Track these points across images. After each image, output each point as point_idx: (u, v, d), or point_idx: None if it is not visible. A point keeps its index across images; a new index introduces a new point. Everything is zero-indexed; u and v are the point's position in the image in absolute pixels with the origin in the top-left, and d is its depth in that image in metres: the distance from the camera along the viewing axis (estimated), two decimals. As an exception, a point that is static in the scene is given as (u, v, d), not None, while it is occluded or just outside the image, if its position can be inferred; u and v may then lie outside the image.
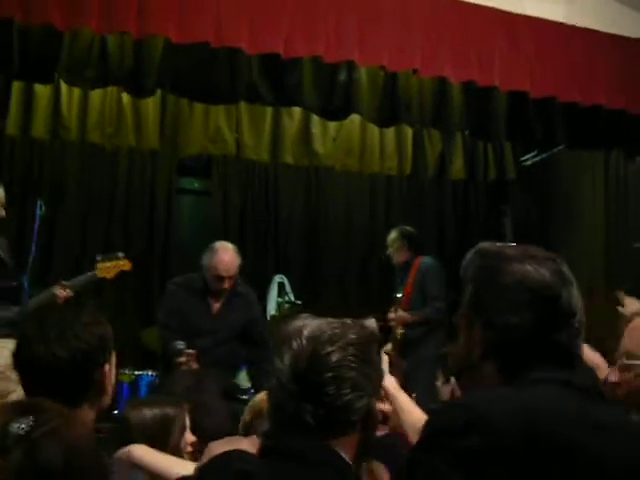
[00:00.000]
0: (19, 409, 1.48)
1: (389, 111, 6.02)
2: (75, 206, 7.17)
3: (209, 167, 7.64)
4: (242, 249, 5.50)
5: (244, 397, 5.54)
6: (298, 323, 1.69)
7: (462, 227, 8.01)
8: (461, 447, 1.29)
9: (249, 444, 1.79)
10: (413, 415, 2.28)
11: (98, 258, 5.09)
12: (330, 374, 1.60)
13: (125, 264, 5.18)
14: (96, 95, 6.67)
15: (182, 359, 4.82)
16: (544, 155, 7.39)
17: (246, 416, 3.08)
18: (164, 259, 7.42)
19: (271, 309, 7.16)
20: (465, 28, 5.14)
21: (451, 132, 6.85)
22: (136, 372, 6.29)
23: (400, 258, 6.50)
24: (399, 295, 6.33)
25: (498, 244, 1.70)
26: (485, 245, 1.69)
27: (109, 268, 5.07)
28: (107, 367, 2.12)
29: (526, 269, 1.55)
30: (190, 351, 4.85)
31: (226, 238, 7.09)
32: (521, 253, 1.60)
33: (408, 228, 6.58)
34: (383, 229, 7.51)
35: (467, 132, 6.85)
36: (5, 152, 7.01)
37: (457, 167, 7.63)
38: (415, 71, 5.25)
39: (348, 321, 1.74)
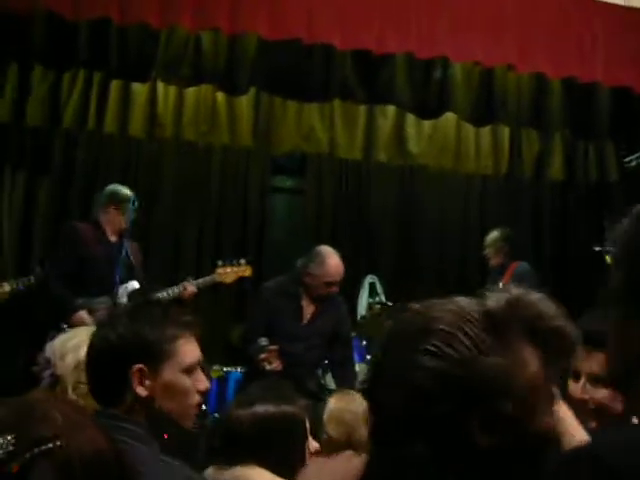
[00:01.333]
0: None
1: (484, 109, 5.90)
2: (170, 203, 7.27)
3: (303, 165, 7.63)
4: (334, 248, 5.32)
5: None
6: None
7: (560, 231, 7.74)
8: None
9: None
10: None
11: (219, 262, 5.39)
12: None
13: (246, 269, 5.45)
14: (191, 93, 6.74)
15: (264, 355, 4.81)
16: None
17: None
18: (257, 257, 7.42)
19: (362, 309, 7.09)
20: (564, 21, 4.98)
21: (550, 131, 6.63)
22: (225, 368, 6.33)
23: (497, 260, 6.36)
24: None
25: None
26: None
27: (229, 273, 5.36)
28: (137, 367, 1.98)
29: None
30: (273, 347, 4.84)
31: (319, 237, 7.16)
32: None
33: (508, 230, 6.42)
34: (477, 230, 7.36)
35: (567, 131, 6.62)
36: (104, 150, 7.17)
37: (556, 167, 7.38)
38: (510, 67, 5.10)
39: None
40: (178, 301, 5.32)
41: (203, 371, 2.11)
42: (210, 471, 2.26)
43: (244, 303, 6.99)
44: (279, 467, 2.21)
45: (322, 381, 5.96)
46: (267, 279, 7.14)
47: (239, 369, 6.27)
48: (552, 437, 1.21)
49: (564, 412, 1.84)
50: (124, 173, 7.20)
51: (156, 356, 1.99)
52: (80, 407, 1.46)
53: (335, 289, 5.00)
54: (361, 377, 6.11)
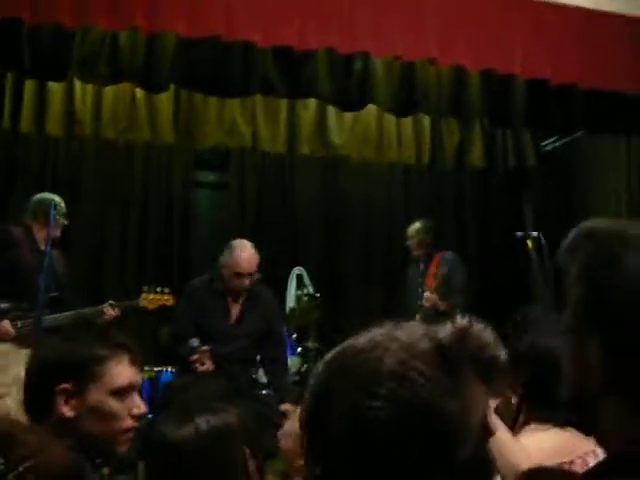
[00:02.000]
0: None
1: (406, 100, 5.94)
2: (92, 202, 7.15)
3: (226, 160, 7.59)
4: (260, 241, 5.41)
5: (263, 392, 5.54)
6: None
7: (482, 217, 7.91)
8: None
9: None
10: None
11: (144, 288, 5.44)
12: None
13: (169, 299, 5.47)
14: (109, 91, 6.62)
15: (195, 357, 4.79)
16: (565, 139, 7.25)
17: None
18: (183, 253, 7.39)
19: (290, 302, 7.11)
20: (484, 15, 5.04)
21: (469, 120, 6.73)
22: (155, 368, 6.28)
23: (420, 251, 6.45)
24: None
25: (612, 222, 1.17)
26: (596, 224, 1.17)
27: (152, 300, 5.41)
28: (63, 386, 1.96)
29: None
30: (204, 348, 4.83)
31: (244, 230, 7.14)
32: None
33: (430, 221, 6.51)
34: (402, 220, 7.45)
35: (486, 120, 6.74)
36: (19, 151, 6.99)
37: (476, 155, 7.50)
38: (431, 60, 5.15)
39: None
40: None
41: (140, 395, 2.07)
42: None
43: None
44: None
45: (254, 376, 5.96)
46: (193, 275, 7.16)
47: (169, 369, 6.24)
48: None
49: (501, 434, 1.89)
50: (42, 173, 7.06)
51: (83, 376, 1.96)
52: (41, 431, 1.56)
53: (245, 281, 4.93)
54: (293, 370, 6.15)
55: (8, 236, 5.21)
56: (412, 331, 1.14)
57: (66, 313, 4.95)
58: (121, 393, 2.00)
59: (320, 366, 1.17)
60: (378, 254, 7.74)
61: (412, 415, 1.02)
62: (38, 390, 1.97)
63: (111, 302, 5.18)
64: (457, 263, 6.42)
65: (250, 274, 4.96)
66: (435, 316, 6.02)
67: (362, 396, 1.04)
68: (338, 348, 1.19)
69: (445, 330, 1.13)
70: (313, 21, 4.74)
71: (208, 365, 4.83)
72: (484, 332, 1.14)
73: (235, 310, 5.09)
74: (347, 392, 1.07)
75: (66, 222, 5.37)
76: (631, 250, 1.08)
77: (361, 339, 1.16)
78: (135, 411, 2.03)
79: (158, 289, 5.47)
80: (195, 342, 4.84)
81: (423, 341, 1.11)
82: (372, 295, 7.59)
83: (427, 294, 6.13)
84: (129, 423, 2.02)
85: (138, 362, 2.09)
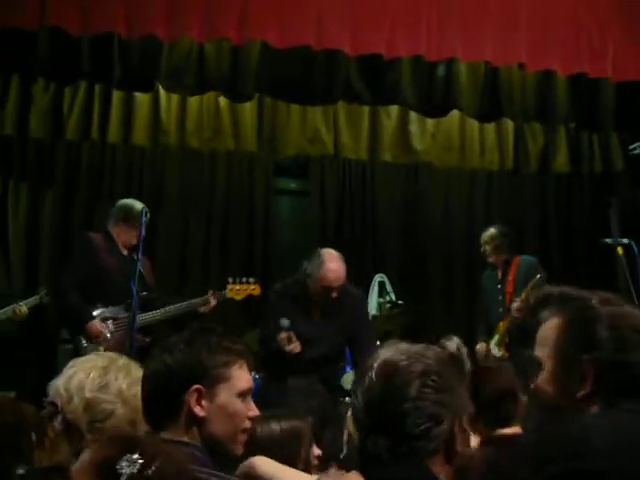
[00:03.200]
0: (122, 444, 1.45)
1: (491, 106, 5.89)
2: (175, 210, 7.27)
3: (306, 167, 7.63)
4: (340, 248, 5.20)
5: (347, 399, 5.53)
6: (373, 356, 1.69)
7: (566, 224, 7.75)
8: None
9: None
10: None
11: (229, 280, 5.52)
12: (403, 406, 1.57)
13: (255, 289, 5.58)
14: (194, 100, 6.72)
15: (284, 334, 4.71)
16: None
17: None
18: (264, 260, 7.45)
19: (372, 309, 7.08)
20: (575, 19, 4.95)
21: (555, 125, 6.62)
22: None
23: (496, 257, 6.33)
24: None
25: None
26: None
27: (239, 290, 5.50)
28: (194, 388, 2.06)
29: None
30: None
31: (324, 237, 7.18)
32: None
33: (505, 227, 6.39)
34: (483, 226, 7.35)
35: (571, 124, 6.62)
36: (107, 160, 7.16)
37: (561, 160, 7.37)
38: (521, 65, 5.09)
39: (425, 346, 1.70)
40: (195, 313, 5.35)
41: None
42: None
43: (253, 307, 7.03)
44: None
45: (338, 382, 5.96)
46: (274, 281, 7.21)
47: (254, 374, 6.28)
48: None
49: None
50: (128, 182, 7.21)
51: (213, 379, 2.06)
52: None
53: (333, 294, 4.79)
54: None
55: (89, 243, 5.35)
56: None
57: (163, 309, 5.18)
58: (243, 395, 2.11)
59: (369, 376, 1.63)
60: (460, 260, 7.66)
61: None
62: (168, 393, 2.04)
63: (212, 292, 5.38)
64: (535, 266, 6.26)
65: (339, 287, 4.81)
66: (523, 325, 5.92)
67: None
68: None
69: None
70: (402, 29, 4.73)
71: (295, 345, 4.80)
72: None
73: (318, 315, 5.02)
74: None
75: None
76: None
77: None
78: (251, 414, 2.15)
79: (244, 279, 5.55)
80: (285, 322, 4.79)
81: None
82: (454, 301, 7.53)
83: (517, 304, 5.93)
84: (247, 424, 2.14)
85: (252, 368, 2.21)
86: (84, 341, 5.02)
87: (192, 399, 2.02)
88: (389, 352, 1.67)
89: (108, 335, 5.04)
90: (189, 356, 2.05)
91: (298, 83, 5.68)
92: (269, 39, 4.76)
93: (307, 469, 2.62)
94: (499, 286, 6.31)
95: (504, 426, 2.68)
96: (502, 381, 2.76)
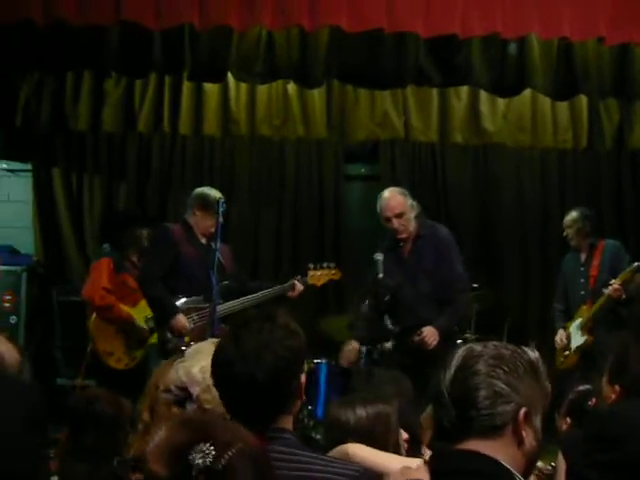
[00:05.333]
0: (195, 431, 1.39)
1: (566, 83, 5.77)
2: (246, 199, 7.32)
3: (376, 152, 7.58)
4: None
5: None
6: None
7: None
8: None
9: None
10: None
11: (310, 266, 5.45)
12: (474, 380, 1.68)
13: (336, 273, 5.54)
14: (263, 89, 6.73)
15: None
16: None
17: None
18: (335, 247, 7.44)
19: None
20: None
21: (632, 100, 6.43)
22: (315, 360, 6.33)
23: (578, 240, 6.20)
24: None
25: None
26: None
27: (319, 276, 5.43)
28: (303, 376, 2.09)
29: None
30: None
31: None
32: None
33: (587, 209, 6.26)
34: (558, 206, 7.23)
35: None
36: (178, 151, 7.24)
37: (637, 136, 7.17)
38: (600, 40, 4.95)
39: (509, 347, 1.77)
40: (282, 298, 5.36)
41: None
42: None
43: (326, 292, 7.06)
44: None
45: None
46: (345, 266, 7.21)
47: (327, 361, 6.28)
48: None
49: None
50: (199, 172, 7.29)
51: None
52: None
53: (394, 223, 5.03)
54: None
55: (168, 234, 5.30)
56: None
57: (251, 295, 5.19)
58: None
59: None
60: (534, 242, 7.52)
61: None
62: (289, 381, 2.03)
63: (298, 277, 5.34)
64: (622, 252, 6.14)
65: (397, 215, 5.03)
66: (613, 307, 5.80)
67: None
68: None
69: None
70: (476, 7, 4.64)
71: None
72: None
73: (406, 251, 5.14)
74: None
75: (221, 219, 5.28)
76: None
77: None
78: None
79: (324, 264, 5.51)
80: (379, 256, 4.99)
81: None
82: (530, 283, 7.41)
83: (614, 285, 5.70)
84: None
85: None
86: (169, 334, 5.03)
87: (300, 387, 2.07)
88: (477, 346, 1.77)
89: (192, 326, 5.05)
90: (292, 351, 2.04)
91: (367, 67, 5.65)
92: (341, 24, 4.71)
93: (397, 453, 2.63)
94: (582, 269, 6.20)
95: None
96: None
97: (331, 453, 2.47)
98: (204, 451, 1.31)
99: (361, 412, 2.67)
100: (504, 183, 7.57)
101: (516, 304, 7.25)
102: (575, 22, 4.75)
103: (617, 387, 2.66)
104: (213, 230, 5.18)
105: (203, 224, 5.27)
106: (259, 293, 5.22)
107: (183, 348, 4.75)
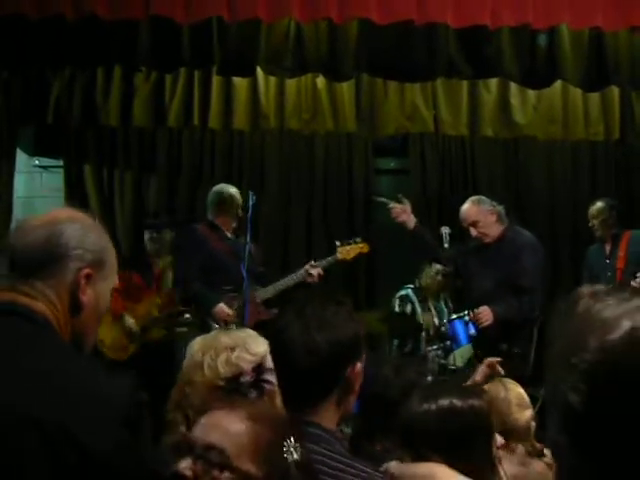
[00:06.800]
0: (275, 429, 1.44)
1: (597, 74, 5.70)
2: (276, 193, 7.33)
3: (405, 146, 7.55)
4: (442, 226, 5.65)
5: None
6: (602, 314, 1.05)
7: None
8: None
9: None
10: None
11: (337, 243, 5.57)
12: None
13: (364, 247, 5.61)
14: (292, 83, 6.73)
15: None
16: None
17: None
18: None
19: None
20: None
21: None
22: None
23: (604, 231, 6.14)
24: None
25: None
26: None
27: (349, 251, 5.51)
28: (359, 366, 2.01)
29: None
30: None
31: (426, 216, 7.09)
32: None
33: (613, 200, 6.20)
34: (589, 199, 7.15)
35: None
36: (208, 145, 7.26)
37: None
38: (634, 29, 4.89)
39: None
40: (302, 284, 5.40)
41: None
42: (393, 464, 1.97)
43: (358, 290, 7.09)
44: (465, 464, 1.91)
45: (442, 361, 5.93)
46: (376, 262, 7.20)
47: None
48: None
49: None
50: (229, 166, 7.31)
51: (361, 351, 2.02)
52: None
53: (472, 232, 5.38)
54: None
55: (195, 234, 5.52)
56: None
57: (276, 283, 5.35)
58: None
59: None
60: (565, 235, 7.47)
61: None
62: (329, 371, 1.96)
63: (311, 262, 5.42)
64: None
65: (471, 224, 5.37)
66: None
67: None
68: None
69: None
70: (506, -2, 4.60)
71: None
72: None
73: (484, 255, 5.43)
74: None
75: (241, 214, 5.49)
76: None
77: None
78: None
79: (351, 240, 5.59)
80: (446, 229, 5.49)
81: None
82: (561, 276, 7.34)
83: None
84: None
85: None
86: (215, 325, 5.12)
87: (355, 377, 1.99)
88: (634, 317, 1.00)
89: (232, 314, 5.19)
90: (353, 331, 1.99)
91: (397, 60, 5.62)
92: (369, 16, 4.69)
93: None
94: (607, 261, 6.13)
95: None
96: None
97: (408, 468, 1.90)
98: (294, 446, 1.39)
99: (438, 405, 2.06)
100: (535, 176, 7.52)
101: (547, 296, 7.18)
102: (607, 11, 4.70)
103: None
104: (235, 225, 5.49)
105: (224, 220, 5.51)
106: (287, 278, 5.40)
107: None
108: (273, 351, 2.10)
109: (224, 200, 5.52)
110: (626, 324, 0.94)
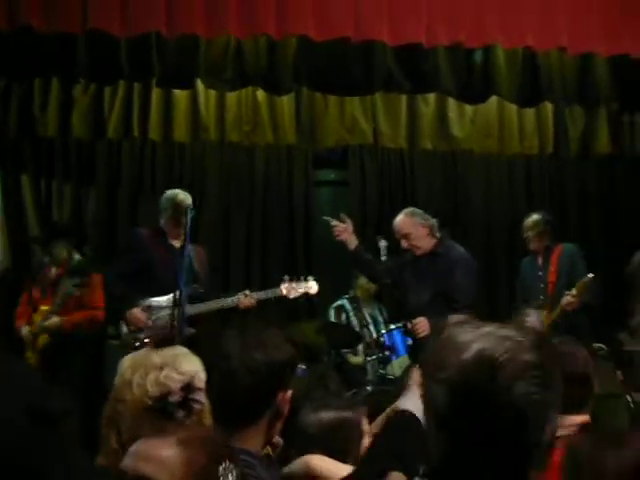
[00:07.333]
0: (209, 452, 1.43)
1: (531, 90, 5.86)
2: (216, 204, 7.31)
3: (345, 158, 7.62)
4: (382, 238, 5.65)
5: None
6: (459, 339, 1.39)
7: (608, 206, 7.63)
8: None
9: None
10: None
11: (285, 277, 5.35)
12: (508, 413, 1.31)
13: (312, 287, 5.40)
14: (232, 95, 6.75)
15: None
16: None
17: None
18: (306, 252, 7.46)
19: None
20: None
21: (596, 106, 6.54)
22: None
23: (538, 244, 6.25)
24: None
25: None
26: None
27: (294, 289, 5.32)
28: (289, 393, 2.08)
29: None
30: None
31: (364, 227, 7.17)
32: None
33: (548, 214, 6.32)
34: (524, 212, 7.29)
35: (614, 105, 6.53)
36: (148, 157, 7.23)
37: (602, 142, 7.29)
38: (562, 49, 5.04)
39: (513, 329, 1.39)
40: (233, 310, 5.36)
41: None
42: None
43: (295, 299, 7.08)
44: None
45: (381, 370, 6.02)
46: (315, 272, 7.23)
47: (301, 366, 6.31)
48: None
49: None
50: (169, 178, 7.27)
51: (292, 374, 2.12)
52: None
53: (404, 245, 5.40)
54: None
55: (137, 238, 5.45)
56: None
57: (206, 303, 5.17)
58: None
59: None
60: (500, 247, 7.60)
61: None
62: (265, 391, 2.03)
63: (246, 292, 5.25)
64: (578, 255, 6.15)
65: (403, 236, 5.39)
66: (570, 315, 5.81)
67: None
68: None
69: None
70: (440, 16, 4.71)
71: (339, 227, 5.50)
72: None
73: (418, 265, 5.46)
74: None
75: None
76: None
77: None
78: None
79: (301, 278, 5.41)
80: (383, 243, 5.47)
81: None
82: (496, 288, 7.48)
83: (568, 298, 5.71)
84: None
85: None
86: (124, 328, 5.12)
87: (284, 403, 2.05)
88: (482, 342, 1.35)
89: (149, 323, 5.09)
90: (290, 355, 2.06)
91: (336, 74, 5.71)
92: (307, 32, 4.76)
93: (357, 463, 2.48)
94: (540, 273, 6.23)
95: (574, 412, 2.54)
96: (578, 365, 2.64)
97: (293, 465, 2.47)
98: (229, 469, 1.37)
99: (324, 416, 2.63)
100: (472, 189, 7.64)
101: (482, 308, 7.31)
102: (537, 33, 4.84)
103: None
104: (182, 231, 5.24)
105: (172, 227, 5.37)
106: (214, 301, 5.23)
107: (137, 344, 4.86)
108: (211, 370, 2.13)
109: (173, 206, 5.34)
110: (475, 347, 1.34)
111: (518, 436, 1.31)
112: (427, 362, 1.43)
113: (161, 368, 2.28)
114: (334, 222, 5.53)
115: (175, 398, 2.19)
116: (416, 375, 3.30)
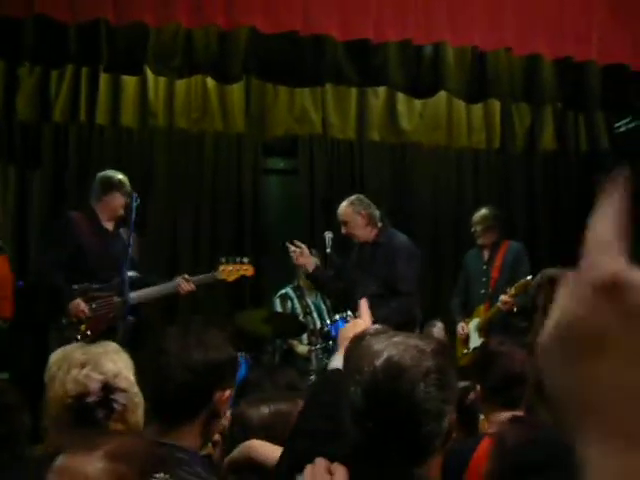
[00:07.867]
0: (142, 462, 1.41)
1: (477, 87, 5.93)
2: (164, 191, 7.27)
3: (295, 147, 7.63)
4: (329, 227, 5.84)
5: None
6: (373, 347, 1.65)
7: (552, 201, 7.78)
8: None
9: None
10: None
11: (222, 260, 5.29)
12: (410, 409, 1.57)
13: (248, 269, 5.34)
14: (182, 83, 6.71)
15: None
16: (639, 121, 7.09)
17: None
18: (254, 240, 7.47)
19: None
20: (560, 3, 4.97)
21: (541, 104, 6.65)
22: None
23: (486, 239, 6.31)
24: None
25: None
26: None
27: (231, 271, 5.25)
28: (228, 393, 2.10)
29: None
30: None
31: (312, 216, 7.22)
32: None
33: (497, 209, 6.39)
34: (471, 205, 7.39)
35: (558, 103, 6.64)
36: (95, 142, 7.15)
37: (547, 139, 7.42)
38: (507, 50, 5.11)
39: (419, 339, 1.68)
40: (174, 296, 5.32)
41: None
42: None
43: (243, 287, 7.08)
44: None
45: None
46: (262, 260, 7.25)
47: (243, 355, 6.32)
48: None
49: None
50: (116, 163, 7.19)
51: (233, 375, 2.19)
52: None
53: (344, 231, 5.54)
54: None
55: (67, 223, 5.25)
56: None
57: (145, 290, 5.07)
58: None
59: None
60: (448, 240, 7.70)
61: None
62: (202, 390, 2.06)
63: (185, 276, 5.15)
64: (523, 254, 6.23)
65: (342, 223, 5.52)
66: (505, 316, 5.87)
67: None
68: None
69: None
70: (389, 13, 4.74)
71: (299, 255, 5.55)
72: None
73: (360, 254, 5.58)
74: None
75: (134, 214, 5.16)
76: None
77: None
78: None
79: (237, 259, 5.34)
80: (328, 234, 5.62)
81: None
82: (442, 281, 7.58)
83: (505, 297, 5.73)
84: None
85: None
86: (64, 320, 4.94)
87: (222, 404, 2.09)
88: (391, 350, 1.61)
89: (89, 314, 4.95)
90: (230, 355, 2.10)
91: (286, 66, 5.70)
92: (256, 25, 4.75)
93: None
94: (485, 267, 6.30)
95: (510, 409, 2.68)
96: (515, 365, 2.77)
97: (235, 451, 2.52)
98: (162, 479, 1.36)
99: (264, 410, 2.67)
100: (420, 181, 7.71)
101: (428, 300, 7.40)
102: (484, 33, 4.90)
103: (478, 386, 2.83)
104: (121, 212, 5.17)
105: (108, 208, 5.22)
106: (152, 288, 5.14)
107: (78, 337, 4.75)
108: (149, 366, 2.14)
109: (110, 184, 5.19)
110: (386, 354, 1.57)
111: (420, 429, 1.57)
112: (347, 367, 1.71)
113: (82, 366, 2.22)
114: (292, 248, 5.55)
115: (93, 398, 2.15)
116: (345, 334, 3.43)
